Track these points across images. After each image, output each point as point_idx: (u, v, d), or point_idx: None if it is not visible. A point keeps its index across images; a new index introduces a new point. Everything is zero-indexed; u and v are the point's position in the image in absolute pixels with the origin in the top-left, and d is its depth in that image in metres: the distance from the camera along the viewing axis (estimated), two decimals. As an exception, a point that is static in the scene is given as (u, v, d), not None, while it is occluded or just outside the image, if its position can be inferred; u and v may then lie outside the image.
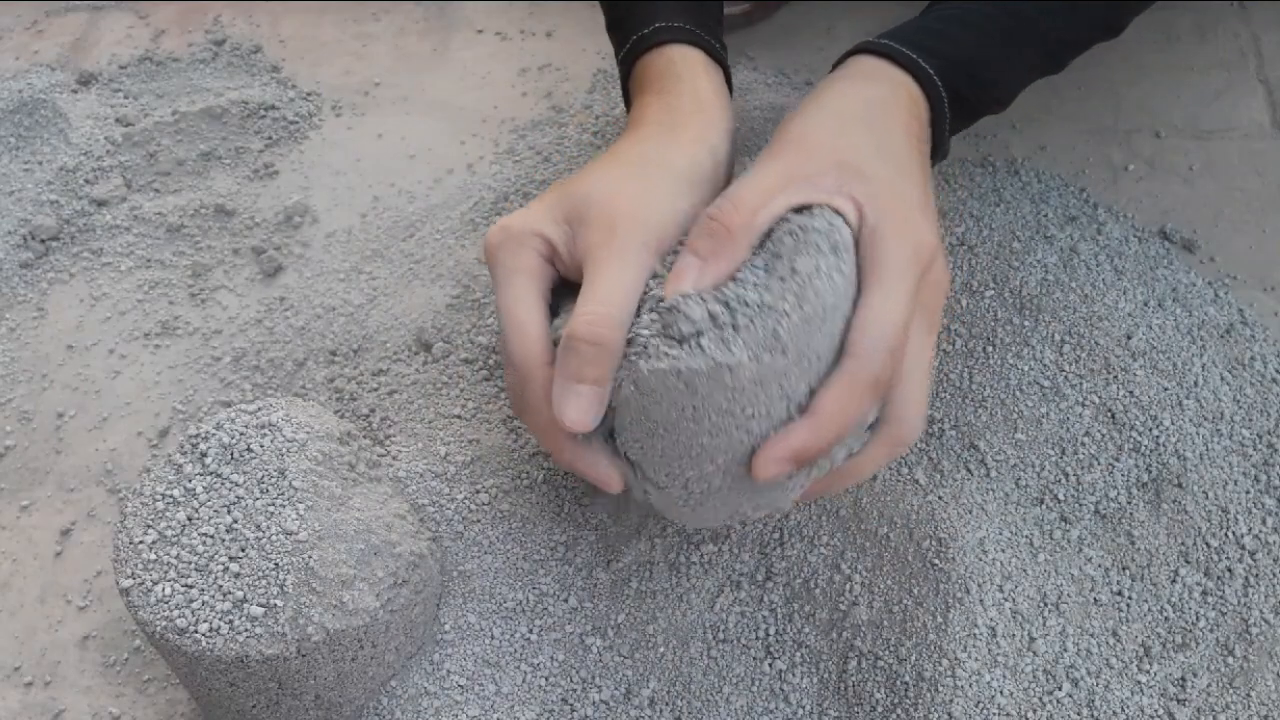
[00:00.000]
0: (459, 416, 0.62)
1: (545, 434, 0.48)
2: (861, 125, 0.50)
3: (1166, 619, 0.55)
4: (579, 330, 0.45)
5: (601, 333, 0.45)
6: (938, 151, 0.55)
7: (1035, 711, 0.52)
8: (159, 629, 0.48)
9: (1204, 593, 0.55)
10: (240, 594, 0.48)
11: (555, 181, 0.52)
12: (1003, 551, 0.56)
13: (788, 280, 0.44)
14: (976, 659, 0.53)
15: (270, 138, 0.79)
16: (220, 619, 0.48)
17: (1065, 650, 0.53)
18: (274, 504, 0.50)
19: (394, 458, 0.60)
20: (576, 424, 0.45)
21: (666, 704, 0.53)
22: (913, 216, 0.48)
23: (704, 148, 0.53)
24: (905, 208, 0.48)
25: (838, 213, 0.46)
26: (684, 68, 0.56)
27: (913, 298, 0.46)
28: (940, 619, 0.53)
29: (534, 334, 0.48)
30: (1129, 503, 0.58)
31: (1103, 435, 0.59)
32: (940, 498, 0.57)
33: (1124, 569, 0.56)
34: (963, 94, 0.55)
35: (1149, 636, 0.54)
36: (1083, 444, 0.59)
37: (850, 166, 0.48)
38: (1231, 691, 0.53)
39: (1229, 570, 0.56)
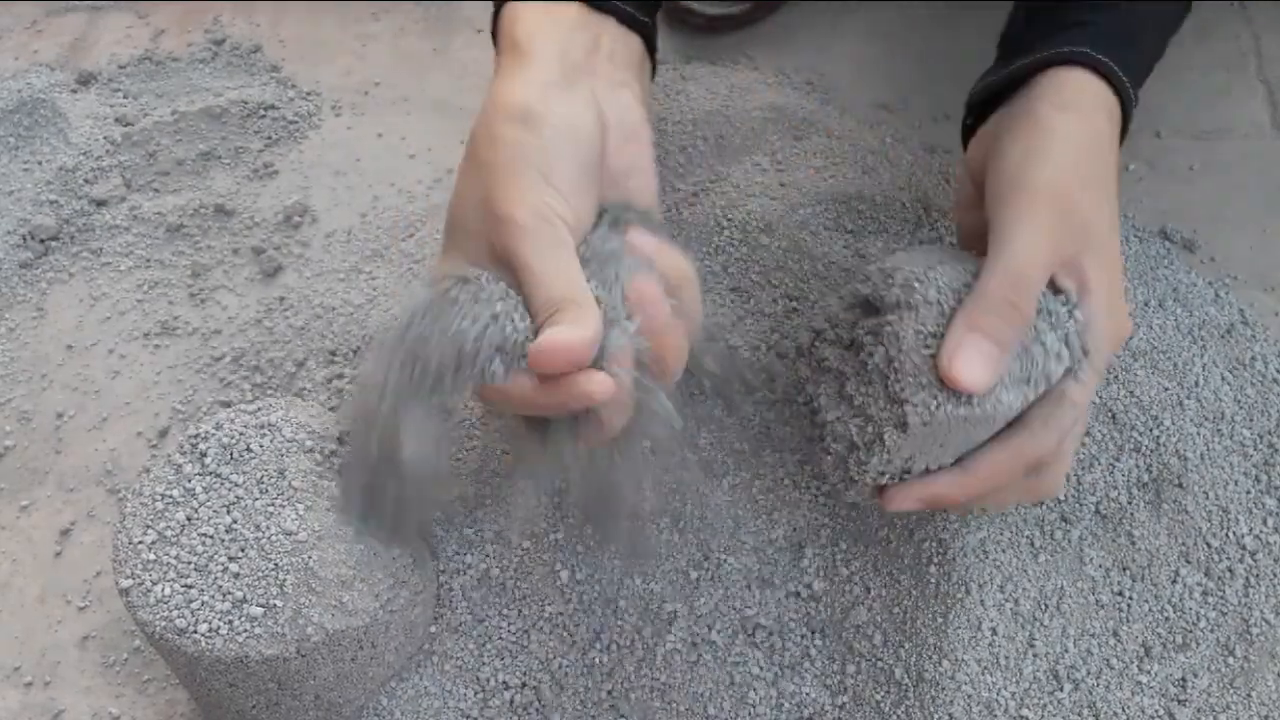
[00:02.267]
0: (459, 416, 0.62)
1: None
2: (1102, 182, 0.49)
3: (1167, 619, 0.55)
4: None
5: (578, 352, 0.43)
6: None
7: (1036, 712, 0.52)
8: (158, 629, 0.48)
9: (1204, 593, 0.55)
10: (240, 594, 0.48)
11: (450, 207, 0.49)
12: (1003, 552, 0.56)
13: (1035, 385, 0.45)
14: (977, 660, 0.52)
15: (270, 137, 0.79)
16: (220, 619, 0.48)
17: (1066, 651, 0.53)
18: (273, 504, 0.50)
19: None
20: (575, 345, 0.43)
21: (666, 706, 0.53)
22: (1120, 297, 0.48)
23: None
24: (1118, 287, 0.48)
25: (1064, 294, 0.47)
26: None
27: (1098, 380, 0.47)
28: (940, 619, 0.53)
29: None
30: (1129, 503, 0.57)
31: (1103, 435, 0.59)
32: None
33: (1124, 569, 0.56)
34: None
35: (1149, 637, 0.54)
36: (1083, 444, 0.59)
37: (1095, 240, 0.47)
38: (1232, 692, 0.53)
39: (1229, 570, 0.56)
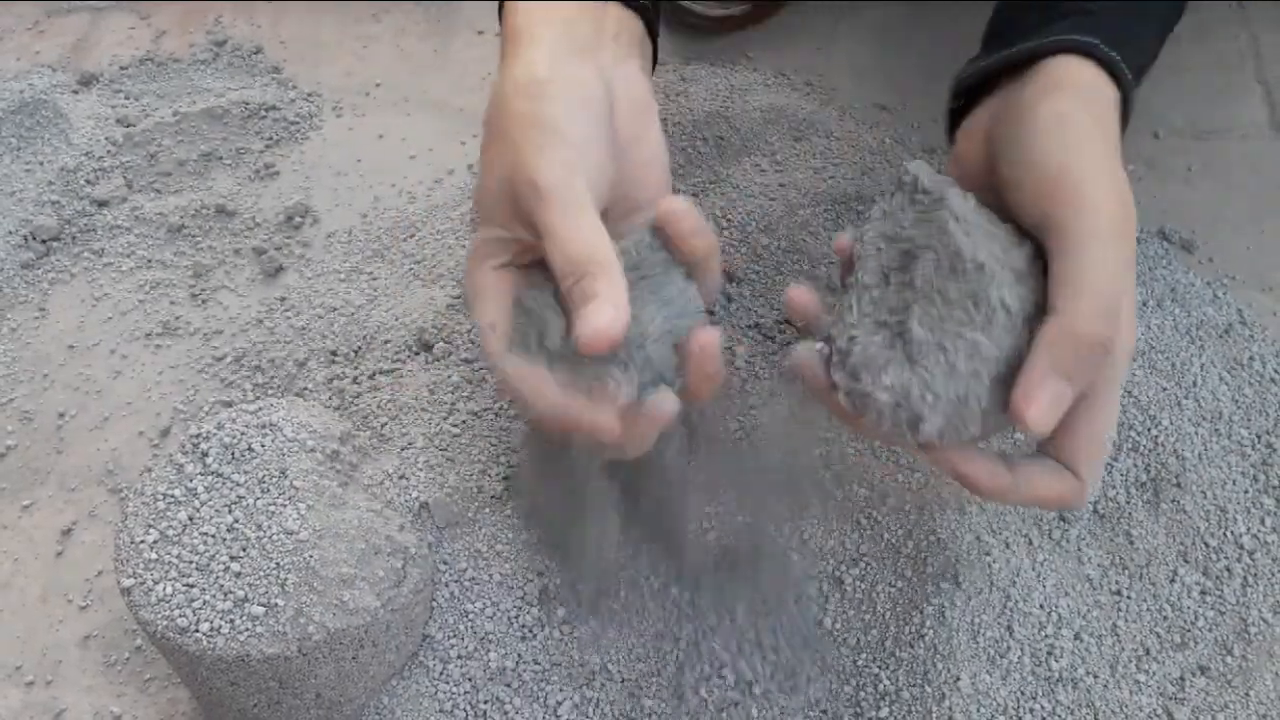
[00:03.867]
0: (459, 417, 0.62)
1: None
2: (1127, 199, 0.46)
3: (1165, 618, 0.55)
4: (565, 276, 0.44)
5: (585, 272, 0.44)
6: None
7: (1034, 712, 0.52)
8: (160, 628, 0.48)
9: (1203, 592, 0.55)
10: (241, 593, 0.48)
11: (475, 188, 0.50)
12: (1002, 551, 0.56)
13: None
14: (976, 659, 0.53)
15: (271, 138, 0.79)
16: (221, 618, 0.48)
17: (1064, 650, 0.54)
18: (275, 503, 0.50)
19: (395, 457, 0.60)
20: (605, 328, 0.42)
21: (665, 710, 0.53)
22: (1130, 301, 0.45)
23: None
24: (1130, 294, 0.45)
25: None
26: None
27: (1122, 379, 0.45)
28: (940, 619, 0.53)
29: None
30: (1128, 502, 0.58)
31: (1102, 435, 0.59)
32: (940, 497, 0.57)
33: (1123, 569, 0.56)
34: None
35: (1148, 636, 0.54)
36: (1082, 444, 0.59)
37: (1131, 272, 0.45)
38: (1230, 691, 0.53)
39: (1227, 570, 0.56)
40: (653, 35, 0.55)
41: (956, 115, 0.53)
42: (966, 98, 0.52)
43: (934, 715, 0.51)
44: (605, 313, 0.43)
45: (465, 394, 0.63)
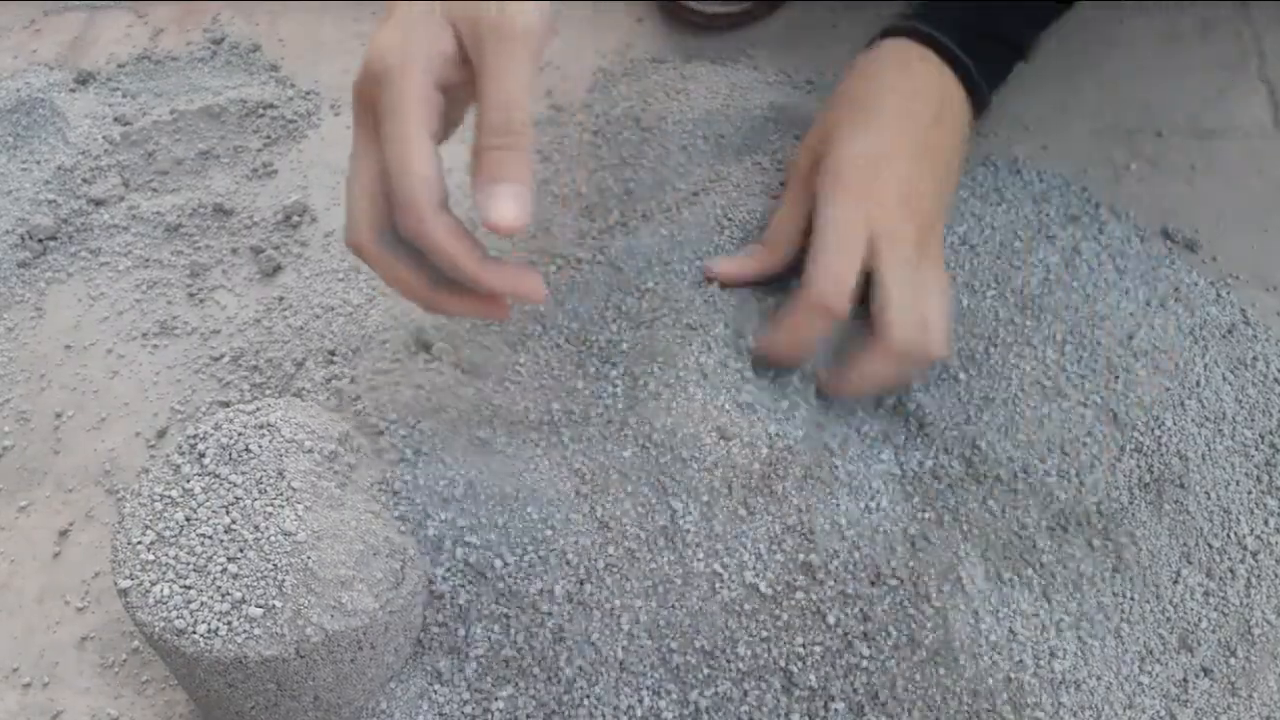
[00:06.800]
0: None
1: (446, 264, 0.48)
2: (925, 158, 0.56)
3: (1168, 620, 0.55)
4: (495, 130, 0.45)
5: (517, 132, 0.45)
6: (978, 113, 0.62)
7: (1036, 713, 0.52)
8: (157, 630, 0.48)
9: (1206, 594, 0.55)
10: (239, 595, 0.48)
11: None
12: (1002, 551, 0.56)
13: None
14: (977, 663, 0.52)
15: (269, 137, 0.79)
16: (219, 620, 0.47)
17: (1066, 652, 0.53)
18: (272, 504, 0.50)
19: (393, 458, 0.60)
20: (512, 222, 0.45)
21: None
22: (923, 268, 0.57)
23: None
24: (911, 265, 0.56)
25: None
26: None
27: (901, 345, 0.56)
28: (940, 623, 0.53)
29: (425, 172, 0.47)
30: (1130, 503, 0.57)
31: (1104, 435, 0.59)
32: (940, 498, 0.57)
33: (1125, 570, 0.56)
34: (997, 60, 0.60)
35: (1151, 638, 0.54)
36: (1084, 444, 0.59)
37: (899, 232, 0.55)
38: (1233, 693, 0.53)
39: (1231, 571, 0.56)
40: None
41: None
42: None
43: (935, 717, 0.51)
44: (510, 208, 0.45)
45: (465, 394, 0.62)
